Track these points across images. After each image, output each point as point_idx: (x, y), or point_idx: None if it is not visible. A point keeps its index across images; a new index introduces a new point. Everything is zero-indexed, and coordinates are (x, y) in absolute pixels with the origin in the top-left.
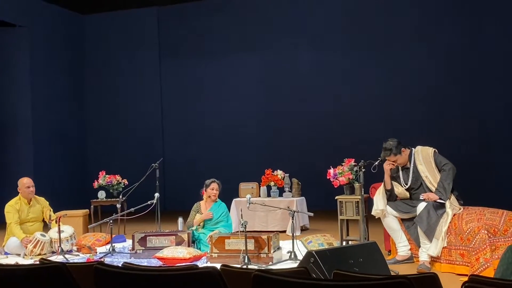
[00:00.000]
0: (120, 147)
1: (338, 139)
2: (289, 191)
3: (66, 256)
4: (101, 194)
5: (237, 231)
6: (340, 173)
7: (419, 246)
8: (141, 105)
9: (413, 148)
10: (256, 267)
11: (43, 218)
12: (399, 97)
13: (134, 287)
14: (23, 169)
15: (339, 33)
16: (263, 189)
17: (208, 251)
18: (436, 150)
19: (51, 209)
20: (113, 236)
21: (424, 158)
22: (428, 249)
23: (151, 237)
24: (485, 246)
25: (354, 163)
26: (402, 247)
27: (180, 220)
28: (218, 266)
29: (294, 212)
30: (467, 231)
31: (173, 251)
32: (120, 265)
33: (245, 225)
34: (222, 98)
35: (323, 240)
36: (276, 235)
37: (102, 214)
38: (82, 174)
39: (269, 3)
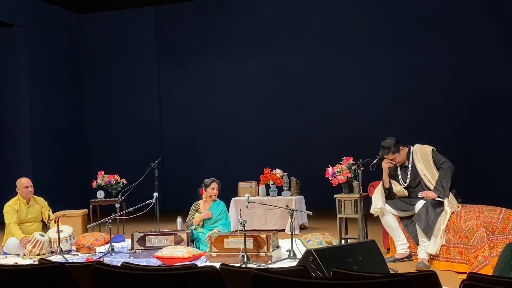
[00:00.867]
0: (119, 147)
1: (336, 137)
2: (288, 190)
3: (65, 256)
4: (100, 194)
5: (236, 230)
6: (339, 172)
7: (418, 244)
8: (140, 105)
9: (411, 147)
10: (255, 266)
11: (42, 218)
12: (398, 96)
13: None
14: (21, 170)
15: (338, 33)
16: (262, 188)
17: (207, 250)
18: (434, 148)
19: (50, 209)
20: (112, 235)
21: (422, 156)
22: (427, 247)
23: (150, 236)
24: (483, 244)
25: (352, 162)
26: (401, 245)
27: (179, 219)
28: (217, 265)
29: (293, 211)
30: (466, 229)
31: (172, 251)
32: (119, 265)
33: (244, 224)
34: (221, 97)
35: (322, 238)
36: (275, 234)
37: (101, 214)
38: (81, 174)
39: (268, 3)
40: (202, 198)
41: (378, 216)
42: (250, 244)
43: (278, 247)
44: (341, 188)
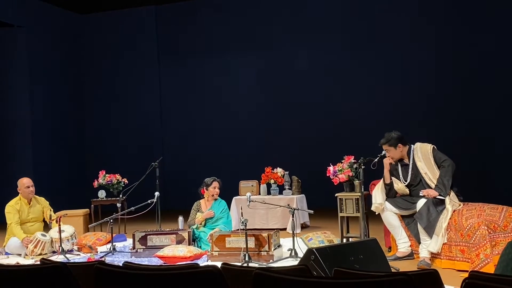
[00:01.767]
0: (120, 146)
1: (337, 136)
2: (289, 189)
3: (67, 255)
4: (101, 194)
5: (238, 229)
6: (340, 171)
7: (419, 243)
8: (141, 104)
9: (412, 145)
10: (256, 265)
11: (44, 218)
12: (399, 95)
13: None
14: (23, 169)
15: (339, 32)
16: (263, 187)
17: (209, 250)
18: (435, 147)
19: (52, 209)
20: (114, 235)
21: (423, 154)
22: (428, 246)
23: (151, 236)
24: (485, 242)
25: (353, 160)
26: (402, 243)
27: (181, 218)
28: (218, 264)
29: (294, 209)
30: (467, 227)
31: (173, 250)
32: (121, 265)
33: (246, 223)
34: (221, 96)
35: (324, 237)
36: (276, 233)
37: (102, 214)
38: (82, 173)
39: (269, 2)
40: (203, 198)
41: (379, 215)
42: (251, 243)
43: (279, 246)
44: (342, 186)
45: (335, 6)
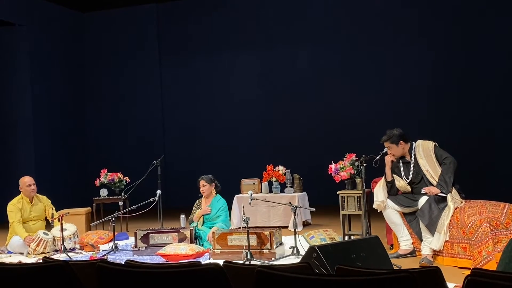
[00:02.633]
0: (121, 145)
1: (339, 134)
2: (291, 187)
3: (69, 254)
4: (103, 192)
5: (239, 227)
6: (342, 168)
7: (422, 240)
8: (142, 102)
9: (413, 143)
10: (258, 263)
11: (46, 217)
12: (399, 93)
13: (137, 284)
14: (24, 168)
15: (338, 30)
16: (265, 185)
17: (211, 248)
18: (437, 144)
19: (53, 208)
20: (116, 233)
21: (424, 152)
22: (430, 243)
23: (153, 234)
24: (487, 239)
25: (355, 158)
26: (405, 241)
27: (182, 217)
28: (220, 262)
29: (296, 207)
30: (469, 225)
31: (175, 248)
32: (123, 263)
33: (247, 221)
34: (222, 94)
35: (325, 235)
36: (278, 231)
37: (104, 212)
38: (84, 172)
39: (269, 0)
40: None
41: (381, 213)
42: (253, 241)
43: (281, 244)
44: (344, 184)
45: (335, 5)
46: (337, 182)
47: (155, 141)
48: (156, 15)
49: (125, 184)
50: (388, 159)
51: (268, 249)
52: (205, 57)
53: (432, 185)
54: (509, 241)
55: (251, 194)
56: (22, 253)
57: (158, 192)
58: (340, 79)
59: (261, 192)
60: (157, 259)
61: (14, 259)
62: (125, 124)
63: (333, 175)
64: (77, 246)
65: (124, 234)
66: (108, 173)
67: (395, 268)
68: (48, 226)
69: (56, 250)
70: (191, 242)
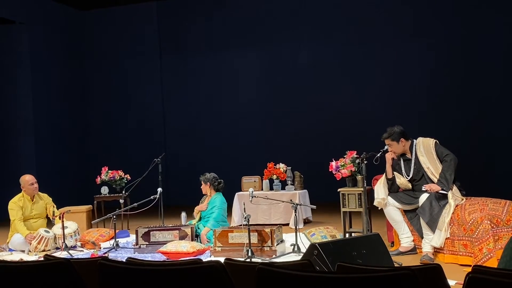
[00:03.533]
0: (122, 143)
1: (339, 131)
2: (292, 184)
3: (70, 252)
4: (104, 190)
5: (240, 225)
6: (342, 166)
7: (422, 237)
8: (143, 100)
9: (414, 140)
10: (259, 261)
11: (47, 215)
12: (400, 91)
13: (138, 282)
14: (25, 166)
15: (339, 27)
16: (266, 182)
17: (212, 245)
18: (437, 141)
19: (55, 205)
20: (117, 231)
21: (425, 149)
22: (431, 240)
23: (154, 231)
24: (488, 236)
25: (356, 156)
26: (405, 238)
27: (183, 214)
28: (221, 260)
29: (297, 205)
30: (470, 222)
31: (176, 246)
32: (124, 260)
33: (248, 219)
34: (223, 92)
35: (326, 232)
36: (279, 228)
37: (105, 210)
38: (85, 170)
39: None
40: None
41: (382, 210)
42: (254, 239)
43: (282, 241)
44: (345, 182)
45: (336, 2)
46: (337, 179)
47: (156, 139)
48: (156, 13)
49: (126, 181)
50: (388, 157)
51: (269, 246)
52: (206, 55)
53: (433, 182)
54: (510, 238)
55: (252, 192)
56: (23, 251)
57: (159, 189)
58: (341, 77)
59: (262, 189)
60: (158, 257)
61: (15, 256)
62: (125, 122)
63: (333, 172)
64: (78, 243)
65: (125, 232)
66: (109, 171)
67: (396, 265)
68: (49, 224)
69: (57, 248)
70: (192, 240)
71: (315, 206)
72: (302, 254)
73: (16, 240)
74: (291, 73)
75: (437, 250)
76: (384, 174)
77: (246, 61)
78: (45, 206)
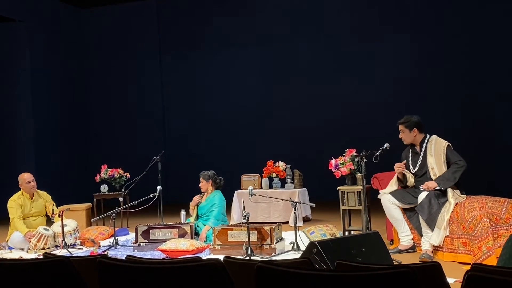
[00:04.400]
0: (122, 141)
1: (339, 129)
2: (291, 182)
3: (70, 250)
4: (104, 188)
5: (240, 223)
6: (342, 164)
7: (422, 235)
8: (142, 98)
9: (428, 135)
10: (259, 258)
11: (46, 213)
12: (401, 88)
13: (138, 280)
14: (25, 164)
15: (339, 24)
16: (265, 180)
17: (211, 243)
18: (450, 145)
19: (54, 203)
20: (116, 229)
21: (436, 150)
22: (430, 238)
23: (154, 229)
24: (487, 234)
25: (355, 154)
26: (405, 236)
27: (183, 212)
28: (221, 257)
29: (296, 203)
30: (469, 220)
31: (176, 244)
32: (123, 258)
33: (248, 217)
34: (222, 90)
35: (326, 230)
36: (278, 226)
37: (104, 208)
38: (84, 168)
39: None
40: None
41: (381, 208)
42: (253, 237)
43: (281, 239)
44: (344, 180)
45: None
46: (337, 177)
47: (156, 136)
48: (156, 10)
49: (125, 179)
50: (396, 170)
51: (269, 244)
52: (205, 53)
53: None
54: (510, 237)
55: (252, 190)
56: (22, 249)
57: (159, 187)
58: (342, 75)
59: (262, 187)
60: (157, 255)
61: (15, 254)
62: (125, 119)
63: (333, 170)
64: (78, 241)
65: (124, 230)
66: (109, 169)
67: (395, 263)
68: (49, 222)
69: (56, 246)
70: (191, 238)
71: (314, 204)
72: (301, 252)
73: (15, 238)
74: (290, 71)
75: (436, 248)
76: (395, 176)
77: (246, 59)
78: (45, 204)
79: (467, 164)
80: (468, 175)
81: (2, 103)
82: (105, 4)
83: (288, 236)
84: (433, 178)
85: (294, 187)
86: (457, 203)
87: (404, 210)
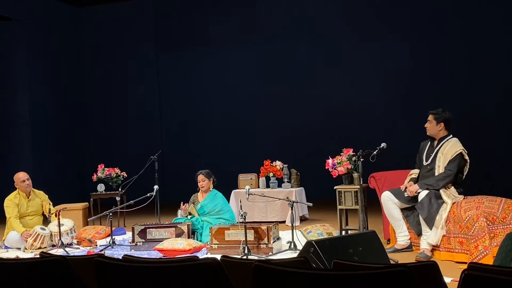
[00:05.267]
0: (119, 140)
1: (336, 129)
2: (288, 182)
3: (66, 249)
4: (100, 187)
5: (237, 222)
6: (339, 163)
7: (418, 235)
8: (139, 97)
9: (450, 135)
10: (256, 258)
11: (43, 212)
12: (399, 88)
13: (135, 279)
14: (22, 163)
15: (339, 23)
16: (262, 180)
17: (208, 242)
18: (463, 153)
19: (51, 203)
20: (113, 228)
21: (448, 151)
22: (428, 237)
23: (151, 229)
24: (484, 233)
25: (352, 153)
26: (403, 236)
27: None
28: (218, 257)
29: (293, 202)
30: (466, 219)
31: (173, 243)
32: (120, 258)
33: (245, 216)
34: (220, 89)
35: (323, 230)
36: (275, 226)
37: (101, 207)
38: (81, 167)
39: None
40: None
41: (379, 207)
42: (250, 236)
43: (278, 238)
44: (341, 179)
45: None
46: (334, 177)
47: (152, 135)
48: (153, 9)
49: (122, 179)
50: (408, 191)
51: (266, 244)
52: (202, 51)
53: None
54: (506, 236)
55: (249, 189)
56: (19, 248)
57: (156, 187)
58: (339, 75)
59: (259, 187)
60: (154, 254)
61: (11, 254)
62: (122, 119)
63: (330, 170)
64: (75, 241)
65: (121, 229)
66: (105, 168)
67: (392, 262)
68: (45, 221)
69: (53, 245)
70: (188, 237)
71: (311, 204)
72: (298, 252)
73: (12, 238)
74: (287, 71)
75: (433, 248)
76: (409, 177)
77: (243, 58)
78: (41, 204)
79: (453, 177)
80: (468, 177)
81: None
82: (102, 2)
83: (285, 235)
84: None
85: (291, 187)
86: (454, 203)
87: (402, 209)
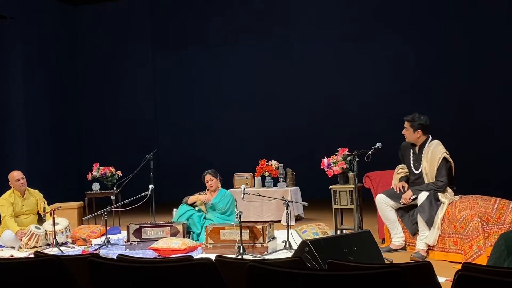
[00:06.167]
0: (114, 139)
1: (332, 129)
2: (284, 181)
3: (61, 248)
4: (95, 186)
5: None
6: (334, 163)
7: (413, 234)
8: (135, 96)
9: (430, 137)
10: (251, 257)
11: (38, 211)
12: (395, 88)
13: (129, 279)
14: (16, 162)
15: (335, 23)
16: (258, 179)
17: (203, 242)
18: (446, 157)
19: (46, 202)
20: (108, 228)
21: (431, 156)
22: (426, 238)
23: (146, 228)
24: (478, 233)
25: (348, 153)
26: (398, 237)
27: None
28: (213, 256)
29: (289, 202)
30: (461, 219)
31: (168, 242)
32: (115, 257)
33: (240, 216)
34: (216, 89)
35: (318, 229)
36: (270, 225)
37: (96, 206)
38: (76, 166)
39: None
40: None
41: (374, 207)
42: (246, 235)
43: (274, 238)
44: (336, 179)
45: None
46: (329, 176)
47: (148, 134)
48: (149, 8)
49: (117, 178)
50: (403, 199)
51: (261, 243)
52: (199, 51)
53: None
54: (500, 236)
55: (244, 189)
56: (13, 247)
57: (151, 186)
58: (335, 74)
59: (254, 186)
60: (149, 254)
61: (5, 253)
62: (117, 118)
63: (325, 169)
64: (69, 240)
65: (116, 228)
66: (100, 167)
67: (387, 262)
68: (40, 220)
69: (48, 244)
70: (183, 237)
71: (306, 203)
72: (293, 251)
73: (6, 237)
74: (283, 70)
75: (428, 248)
76: (397, 178)
77: (239, 57)
78: (36, 203)
79: (443, 187)
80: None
81: None
82: (98, 1)
83: (280, 234)
84: (426, 181)
85: (287, 186)
86: (450, 203)
87: (396, 210)
